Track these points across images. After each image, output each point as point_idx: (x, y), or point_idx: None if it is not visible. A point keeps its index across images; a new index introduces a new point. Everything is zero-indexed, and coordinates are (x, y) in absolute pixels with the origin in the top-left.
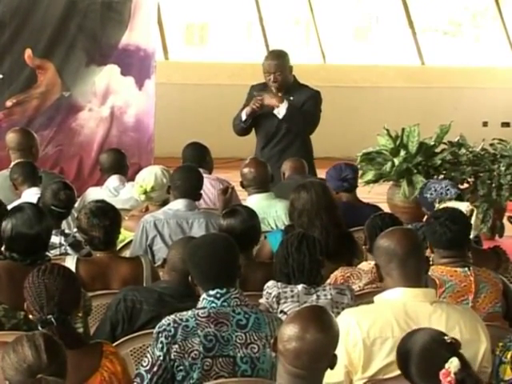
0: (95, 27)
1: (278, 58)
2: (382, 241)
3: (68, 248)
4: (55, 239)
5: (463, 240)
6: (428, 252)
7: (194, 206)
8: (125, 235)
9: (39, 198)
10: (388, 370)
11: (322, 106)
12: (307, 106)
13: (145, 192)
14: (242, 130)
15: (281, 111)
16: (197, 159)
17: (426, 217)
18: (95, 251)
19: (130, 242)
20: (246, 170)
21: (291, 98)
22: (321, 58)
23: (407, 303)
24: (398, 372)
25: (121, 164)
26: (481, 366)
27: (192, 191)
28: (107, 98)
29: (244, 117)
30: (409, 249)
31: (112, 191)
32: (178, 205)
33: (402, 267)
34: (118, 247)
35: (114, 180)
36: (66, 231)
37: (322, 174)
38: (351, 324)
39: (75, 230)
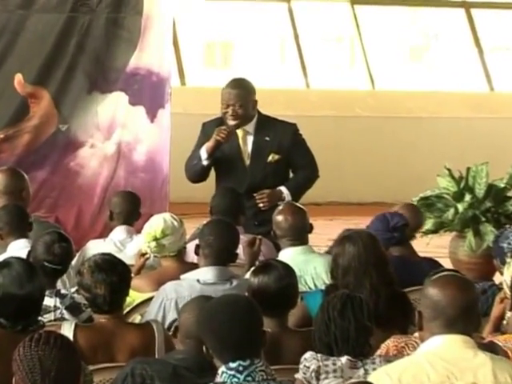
0: (98, 47)
1: (240, 88)
2: (433, 291)
3: (65, 312)
4: (49, 301)
5: None
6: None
7: (228, 274)
8: (133, 297)
9: (29, 252)
10: None
11: (369, 139)
12: (301, 161)
13: (155, 238)
14: (201, 171)
15: (286, 198)
16: (231, 212)
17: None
18: (98, 314)
19: (139, 304)
20: (280, 218)
21: (267, 139)
22: (369, 82)
23: (442, 349)
24: None
25: (135, 211)
26: None
27: (227, 250)
28: (113, 131)
29: (204, 154)
30: (461, 310)
31: (117, 245)
32: (207, 274)
33: (447, 329)
34: (125, 311)
35: (120, 232)
36: (62, 291)
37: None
38: (380, 376)
39: (73, 289)
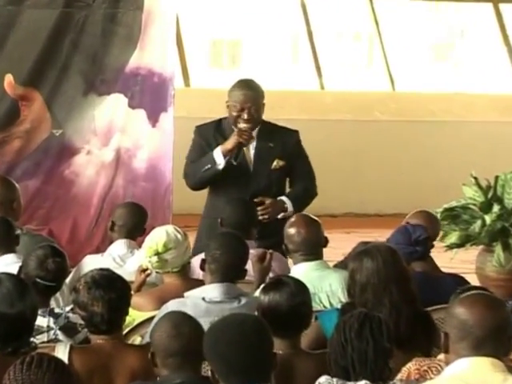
0: (95, 45)
1: (254, 89)
2: (459, 310)
3: (59, 332)
4: (42, 321)
5: None
6: None
7: (236, 291)
8: (133, 316)
9: (21, 268)
10: None
11: (389, 145)
12: (302, 171)
13: (157, 253)
14: (214, 176)
15: (288, 209)
16: (242, 224)
17: None
18: (95, 335)
19: (139, 324)
20: (292, 231)
21: (271, 145)
22: (388, 83)
23: (468, 373)
24: None
25: (139, 226)
26: None
27: (235, 265)
28: (111, 137)
29: (221, 158)
30: (490, 331)
31: (117, 260)
32: (213, 291)
33: (475, 351)
34: (125, 331)
35: (119, 246)
36: (56, 310)
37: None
38: None
39: (68, 308)
